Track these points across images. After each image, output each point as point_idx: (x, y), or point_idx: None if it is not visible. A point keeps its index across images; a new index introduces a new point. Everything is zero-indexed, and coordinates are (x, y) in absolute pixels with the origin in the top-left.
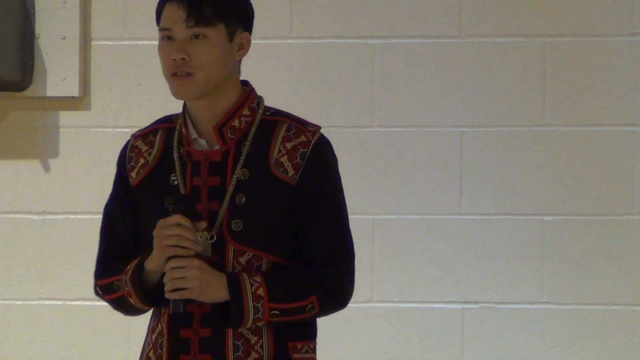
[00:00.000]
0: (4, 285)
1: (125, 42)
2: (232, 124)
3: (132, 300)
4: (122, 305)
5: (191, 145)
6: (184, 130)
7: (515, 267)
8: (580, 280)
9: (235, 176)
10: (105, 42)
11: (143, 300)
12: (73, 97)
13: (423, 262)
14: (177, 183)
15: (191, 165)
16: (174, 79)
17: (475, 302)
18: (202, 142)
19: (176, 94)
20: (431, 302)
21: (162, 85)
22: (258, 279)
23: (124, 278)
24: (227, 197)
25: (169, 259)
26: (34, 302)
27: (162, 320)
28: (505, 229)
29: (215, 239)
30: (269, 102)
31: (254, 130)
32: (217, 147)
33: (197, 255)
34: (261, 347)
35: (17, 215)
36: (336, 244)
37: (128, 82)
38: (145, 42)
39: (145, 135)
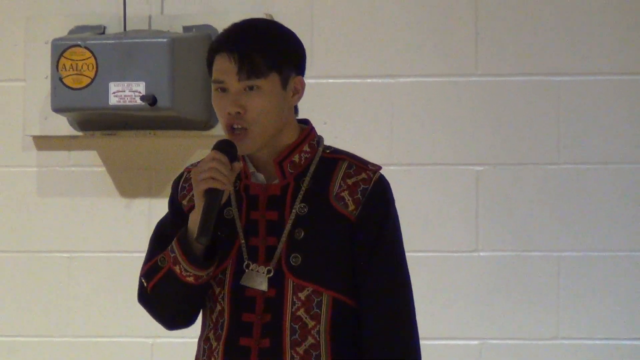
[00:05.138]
0: None
1: (312, 80)
2: (293, 159)
3: (178, 270)
4: (167, 292)
5: (249, 178)
6: (241, 164)
7: None
8: None
9: (294, 211)
10: None
11: (191, 260)
12: None
13: (609, 299)
14: (232, 217)
15: (248, 199)
16: (231, 136)
17: None
18: (260, 176)
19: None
20: (619, 339)
21: (350, 123)
22: None
23: (170, 246)
24: (286, 232)
25: (204, 193)
26: None
27: (215, 354)
28: None
29: (272, 273)
30: (448, 137)
31: (313, 167)
32: (276, 181)
33: (251, 290)
34: None
35: None
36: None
37: (315, 120)
38: (331, 81)
39: None
